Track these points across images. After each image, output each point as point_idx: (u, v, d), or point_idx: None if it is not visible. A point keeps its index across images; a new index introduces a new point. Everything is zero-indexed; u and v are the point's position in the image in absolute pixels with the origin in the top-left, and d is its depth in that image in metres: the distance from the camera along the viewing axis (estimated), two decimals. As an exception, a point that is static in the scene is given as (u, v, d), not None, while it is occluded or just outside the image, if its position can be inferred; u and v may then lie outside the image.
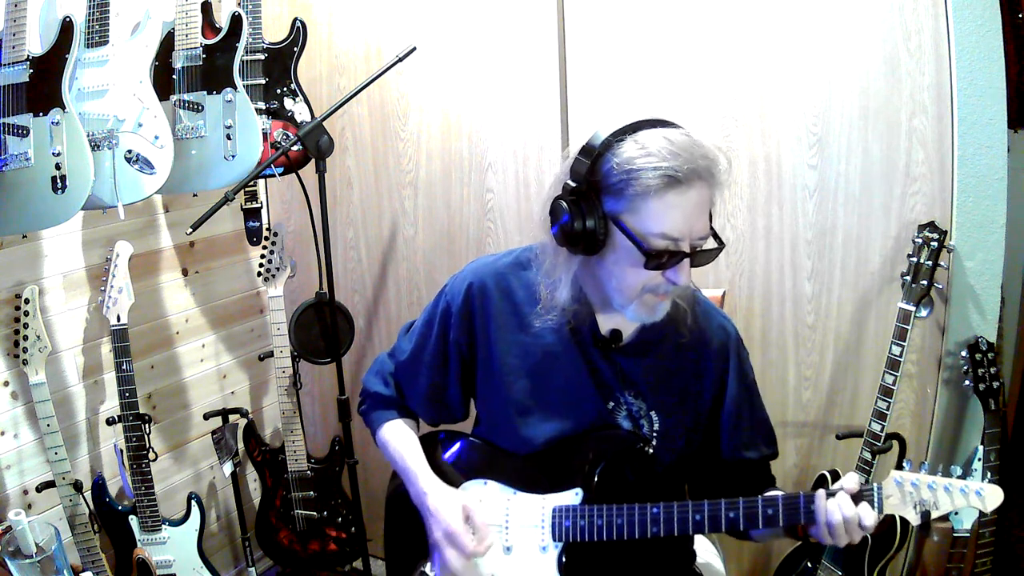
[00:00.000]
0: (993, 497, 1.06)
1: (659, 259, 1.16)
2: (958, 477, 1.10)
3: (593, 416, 1.34)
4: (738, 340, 1.39)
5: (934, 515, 1.10)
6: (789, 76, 1.85)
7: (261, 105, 2.04)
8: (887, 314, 1.82)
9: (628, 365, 1.34)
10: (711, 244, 1.21)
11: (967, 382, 1.73)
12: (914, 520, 1.11)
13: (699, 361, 1.35)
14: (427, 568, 1.37)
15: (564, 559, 1.29)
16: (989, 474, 1.72)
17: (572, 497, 1.31)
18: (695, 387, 1.35)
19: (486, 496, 1.35)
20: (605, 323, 1.34)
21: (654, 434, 1.33)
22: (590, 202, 1.18)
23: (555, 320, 1.31)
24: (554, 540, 1.30)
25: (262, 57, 2.04)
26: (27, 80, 1.70)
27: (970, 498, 1.07)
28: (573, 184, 1.20)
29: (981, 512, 1.11)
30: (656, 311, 1.24)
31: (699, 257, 1.19)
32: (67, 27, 1.71)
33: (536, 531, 1.31)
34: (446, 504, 1.30)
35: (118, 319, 1.97)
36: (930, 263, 1.67)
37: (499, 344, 1.37)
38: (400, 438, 1.45)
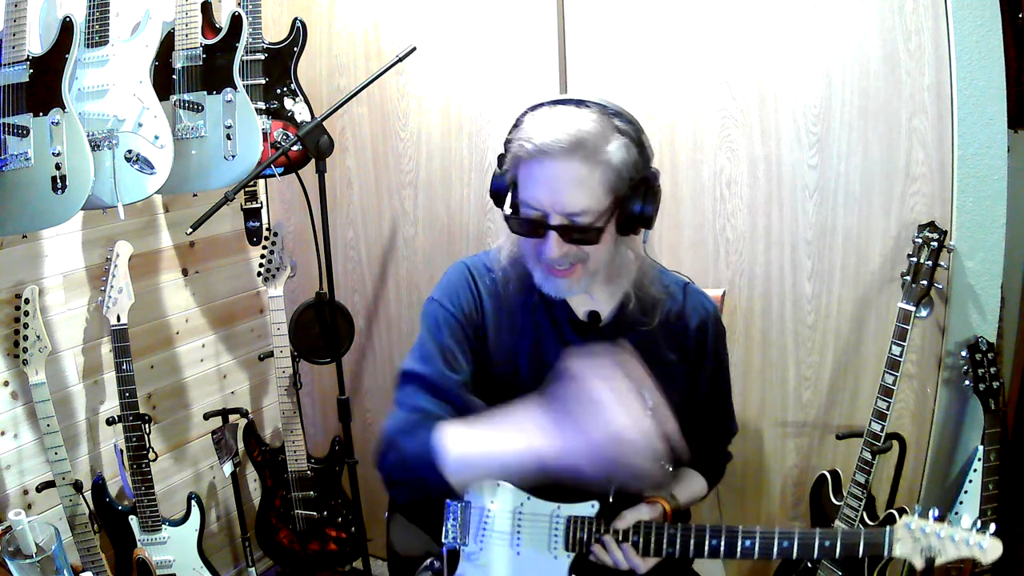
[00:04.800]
0: (993, 551, 1.12)
1: (519, 225, 1.23)
2: (966, 529, 1.14)
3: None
4: (717, 318, 1.41)
5: (938, 562, 1.16)
6: (789, 76, 1.85)
7: (261, 105, 2.04)
8: (887, 314, 1.82)
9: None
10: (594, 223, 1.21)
11: (967, 382, 1.73)
12: (919, 565, 1.16)
13: (681, 338, 1.37)
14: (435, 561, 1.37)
15: (574, 567, 1.29)
16: (987, 482, 1.73)
17: (588, 509, 1.30)
18: (678, 363, 1.37)
19: (498, 497, 1.34)
20: (578, 306, 1.36)
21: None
22: (504, 170, 1.28)
23: (524, 297, 1.34)
24: (567, 550, 1.30)
25: (262, 57, 2.04)
26: (27, 80, 1.70)
27: (973, 550, 1.13)
28: (502, 152, 1.29)
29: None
30: (558, 286, 1.26)
31: (571, 233, 1.20)
32: (67, 27, 1.71)
33: (548, 538, 1.31)
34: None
35: (118, 319, 1.97)
36: (930, 263, 1.67)
37: (492, 344, 1.38)
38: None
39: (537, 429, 1.13)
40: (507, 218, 1.25)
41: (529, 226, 1.22)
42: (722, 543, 1.24)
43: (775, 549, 1.22)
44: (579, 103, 1.22)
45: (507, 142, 1.27)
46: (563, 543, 1.30)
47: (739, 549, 1.23)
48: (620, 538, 1.27)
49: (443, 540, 1.36)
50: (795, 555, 1.22)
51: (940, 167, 1.73)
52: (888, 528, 1.18)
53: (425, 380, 1.33)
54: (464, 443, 1.18)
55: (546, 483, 1.19)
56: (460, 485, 1.21)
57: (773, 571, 1.98)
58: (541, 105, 1.25)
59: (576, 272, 1.24)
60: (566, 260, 1.23)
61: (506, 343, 1.38)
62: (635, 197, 1.22)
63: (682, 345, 1.37)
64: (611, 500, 1.30)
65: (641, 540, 1.27)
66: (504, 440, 1.16)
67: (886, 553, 1.18)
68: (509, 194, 1.26)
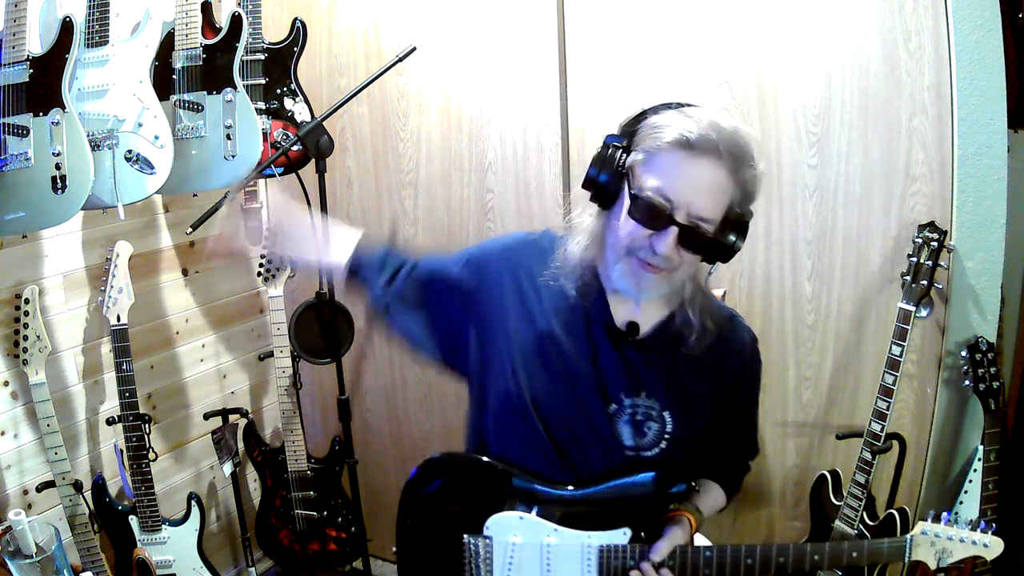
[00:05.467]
0: (996, 547, 1.25)
1: (643, 210, 1.15)
2: (971, 529, 1.27)
3: (592, 419, 1.31)
4: (755, 351, 1.39)
5: (948, 562, 1.26)
6: (789, 76, 1.85)
7: (261, 105, 2.04)
8: (887, 314, 1.82)
9: (642, 362, 1.31)
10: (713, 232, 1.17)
11: (967, 382, 1.73)
12: (932, 564, 1.26)
13: (717, 364, 1.33)
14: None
15: None
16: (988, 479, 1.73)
17: (620, 536, 1.29)
18: (709, 389, 1.34)
19: (522, 531, 1.31)
20: (619, 314, 1.30)
21: (665, 436, 1.31)
22: (620, 152, 1.21)
23: (567, 290, 1.29)
24: None
25: (262, 57, 2.04)
26: (27, 80, 1.70)
27: (979, 548, 1.25)
28: (615, 135, 1.23)
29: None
30: (640, 284, 1.20)
31: (690, 237, 1.15)
32: (67, 27, 1.71)
33: (581, 569, 1.30)
34: None
35: (118, 319, 1.97)
36: (930, 263, 1.67)
37: (512, 326, 1.32)
38: None
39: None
40: (632, 196, 1.17)
41: (652, 214, 1.15)
42: (757, 561, 1.26)
43: (807, 563, 1.26)
44: (724, 116, 1.19)
45: (634, 126, 1.21)
46: (596, 573, 1.30)
47: (773, 566, 1.26)
48: (657, 565, 1.27)
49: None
50: (826, 566, 1.26)
51: (940, 167, 1.73)
52: (908, 536, 1.26)
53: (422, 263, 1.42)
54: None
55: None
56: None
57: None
58: (682, 104, 1.20)
59: (663, 275, 1.20)
60: (669, 262, 1.17)
61: (526, 325, 1.31)
62: (734, 228, 1.19)
63: (719, 375, 1.34)
64: (643, 525, 1.30)
65: (678, 564, 1.27)
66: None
67: (906, 559, 1.27)
68: (624, 180, 1.19)
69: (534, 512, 1.31)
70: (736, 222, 1.20)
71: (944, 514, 1.27)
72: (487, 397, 1.37)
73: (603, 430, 1.31)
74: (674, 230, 1.14)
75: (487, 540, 1.32)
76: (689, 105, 1.20)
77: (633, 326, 1.30)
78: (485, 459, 1.37)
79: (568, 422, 1.31)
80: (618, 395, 1.31)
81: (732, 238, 1.20)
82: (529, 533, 1.31)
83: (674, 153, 1.14)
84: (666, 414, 1.31)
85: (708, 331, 1.29)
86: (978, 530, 1.25)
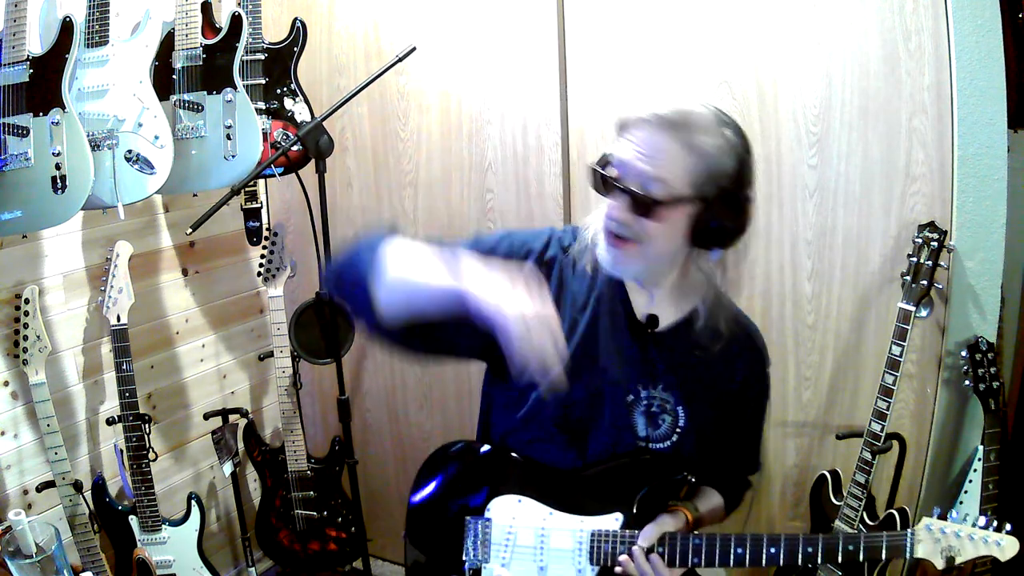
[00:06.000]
0: (1011, 548, 1.15)
1: (598, 181, 1.22)
2: (983, 527, 1.17)
3: (610, 405, 1.33)
4: (767, 371, 1.41)
5: (957, 561, 1.18)
6: (789, 76, 1.85)
7: (261, 105, 2.04)
8: (887, 314, 1.82)
9: (660, 356, 1.32)
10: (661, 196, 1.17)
11: (967, 382, 1.73)
12: (939, 564, 1.19)
13: (730, 371, 1.35)
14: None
15: None
16: (988, 480, 1.73)
17: (612, 522, 1.31)
18: (720, 393, 1.35)
19: (520, 514, 1.34)
20: (638, 304, 1.33)
21: (677, 430, 1.33)
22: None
23: (592, 278, 1.31)
24: (591, 563, 1.30)
25: (262, 57, 2.04)
26: (27, 80, 1.71)
27: (991, 548, 1.16)
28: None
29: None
30: (614, 258, 1.23)
31: (640, 202, 1.17)
32: (67, 27, 1.71)
33: (573, 553, 1.31)
34: (487, 278, 1.14)
35: (118, 319, 1.97)
36: (930, 263, 1.67)
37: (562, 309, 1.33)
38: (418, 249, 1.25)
39: (469, 273, 1.14)
40: (589, 170, 1.24)
41: (602, 180, 1.21)
42: (747, 551, 1.25)
43: (800, 555, 1.24)
44: (701, 105, 1.22)
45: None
46: (588, 557, 1.30)
47: (764, 556, 1.24)
48: (646, 550, 1.28)
49: (464, 559, 1.35)
50: (820, 560, 1.23)
51: (940, 167, 1.74)
52: (909, 531, 1.21)
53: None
54: (402, 265, 1.20)
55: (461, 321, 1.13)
56: (385, 304, 1.19)
57: (773, 572, 1.98)
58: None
59: (631, 249, 1.21)
60: (626, 229, 1.20)
61: (563, 306, 1.32)
62: (717, 209, 1.18)
63: (730, 383, 1.35)
64: (635, 511, 1.30)
65: (667, 551, 1.27)
66: (436, 271, 1.16)
67: (907, 555, 1.20)
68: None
69: (532, 495, 1.34)
70: (720, 203, 1.18)
71: (952, 512, 1.21)
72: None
73: (619, 418, 1.33)
74: (623, 196, 1.18)
75: (487, 521, 1.35)
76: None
77: (653, 319, 1.32)
78: (492, 447, 1.41)
79: (588, 404, 1.33)
80: (636, 386, 1.33)
81: (715, 221, 1.19)
82: (526, 516, 1.34)
83: (629, 127, 1.21)
84: (680, 409, 1.33)
85: (717, 327, 1.30)
86: (991, 528, 1.17)
